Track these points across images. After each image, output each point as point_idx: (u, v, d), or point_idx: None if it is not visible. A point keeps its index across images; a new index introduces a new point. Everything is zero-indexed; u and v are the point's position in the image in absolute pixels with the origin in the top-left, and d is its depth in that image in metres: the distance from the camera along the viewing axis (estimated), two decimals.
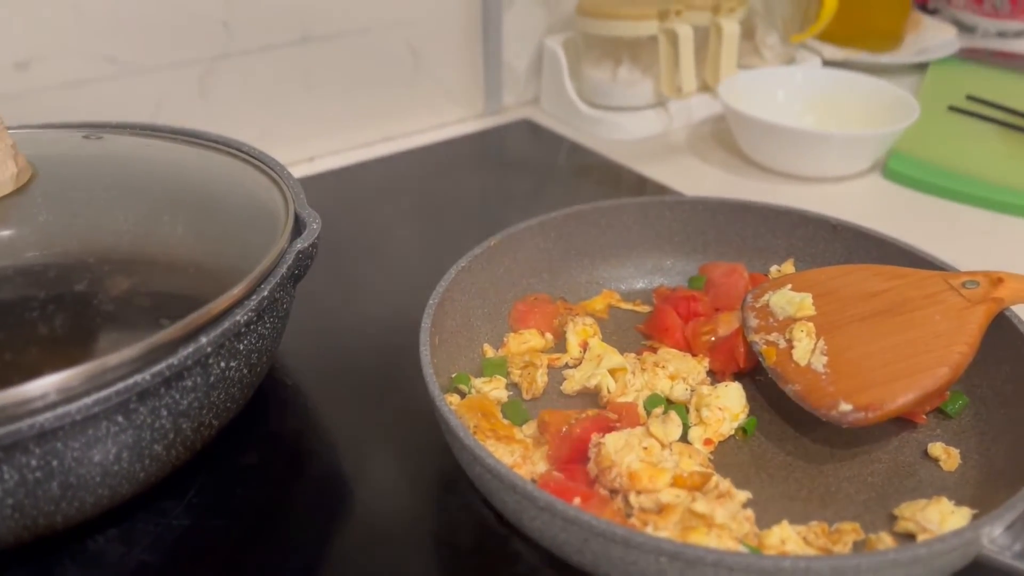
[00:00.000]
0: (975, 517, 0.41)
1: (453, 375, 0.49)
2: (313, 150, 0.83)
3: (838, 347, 0.47)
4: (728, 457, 0.46)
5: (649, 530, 0.39)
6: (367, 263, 0.67)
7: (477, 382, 0.49)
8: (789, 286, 0.52)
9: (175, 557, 0.42)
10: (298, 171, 0.80)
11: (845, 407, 0.44)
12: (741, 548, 0.38)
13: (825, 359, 0.47)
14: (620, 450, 0.42)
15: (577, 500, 0.40)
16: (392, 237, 0.70)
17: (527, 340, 0.53)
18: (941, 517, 0.40)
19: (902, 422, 0.48)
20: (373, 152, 0.84)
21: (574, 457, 0.44)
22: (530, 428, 0.47)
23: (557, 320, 0.56)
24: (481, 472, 0.39)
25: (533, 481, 0.43)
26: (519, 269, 0.57)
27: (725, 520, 0.39)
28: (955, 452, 0.46)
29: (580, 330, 0.54)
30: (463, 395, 0.49)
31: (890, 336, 0.47)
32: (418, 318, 0.48)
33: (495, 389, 0.49)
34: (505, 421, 0.46)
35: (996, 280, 0.48)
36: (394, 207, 0.75)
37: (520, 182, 0.81)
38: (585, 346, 0.53)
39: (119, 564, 0.41)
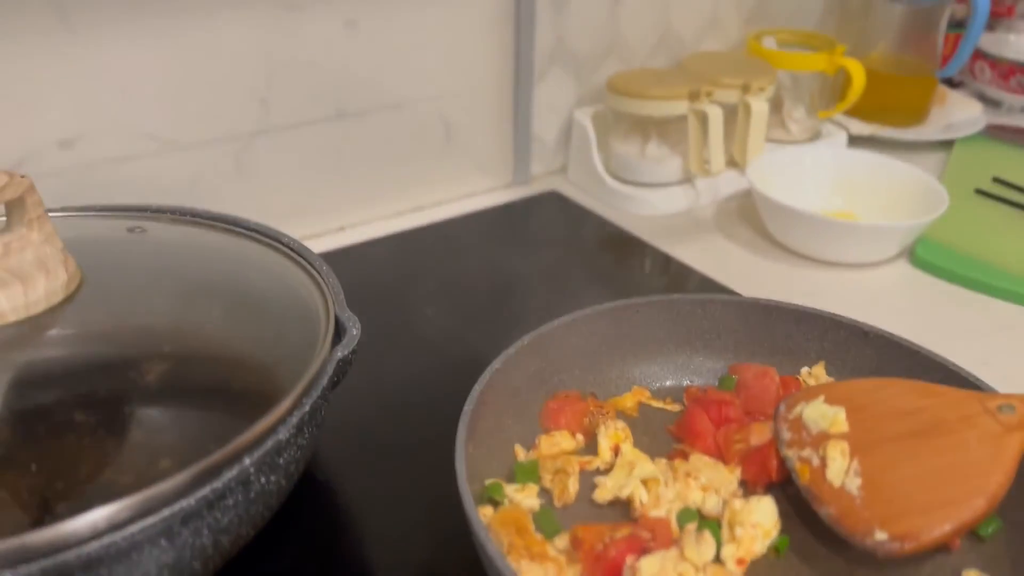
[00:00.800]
0: None
1: (487, 483, 0.50)
2: (344, 220, 0.84)
3: (872, 468, 0.47)
4: None
5: None
6: (397, 348, 0.67)
7: (510, 490, 0.50)
8: (822, 397, 0.52)
9: None
10: (328, 241, 0.81)
11: (880, 536, 0.44)
12: None
13: (859, 481, 0.47)
14: None
15: None
16: (422, 317, 0.71)
17: (558, 443, 0.54)
18: None
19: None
20: (403, 223, 0.85)
21: None
22: (562, 540, 0.47)
23: (587, 419, 0.56)
24: None
25: None
26: (550, 367, 0.57)
27: None
28: None
29: (612, 434, 0.54)
30: (496, 505, 0.49)
31: (925, 460, 0.47)
32: (450, 409, 0.48)
33: (528, 498, 0.49)
34: (538, 535, 0.46)
35: None
36: (423, 283, 0.76)
37: (547, 256, 0.82)
38: (617, 450, 0.53)
39: None
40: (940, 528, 0.44)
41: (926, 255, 0.79)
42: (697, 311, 0.60)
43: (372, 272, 0.77)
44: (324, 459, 0.55)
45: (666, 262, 0.80)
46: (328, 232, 0.83)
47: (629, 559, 0.44)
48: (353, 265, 0.77)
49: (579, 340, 0.58)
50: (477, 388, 0.50)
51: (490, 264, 0.81)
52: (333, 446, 0.56)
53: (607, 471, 0.53)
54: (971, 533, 0.48)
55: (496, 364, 0.53)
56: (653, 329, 0.60)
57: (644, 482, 0.50)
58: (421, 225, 0.85)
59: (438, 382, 0.62)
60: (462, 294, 0.75)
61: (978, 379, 0.52)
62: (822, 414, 0.51)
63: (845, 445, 0.48)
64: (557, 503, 0.51)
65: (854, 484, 0.47)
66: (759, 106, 0.87)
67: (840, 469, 0.48)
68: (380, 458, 0.56)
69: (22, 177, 0.44)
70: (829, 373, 0.59)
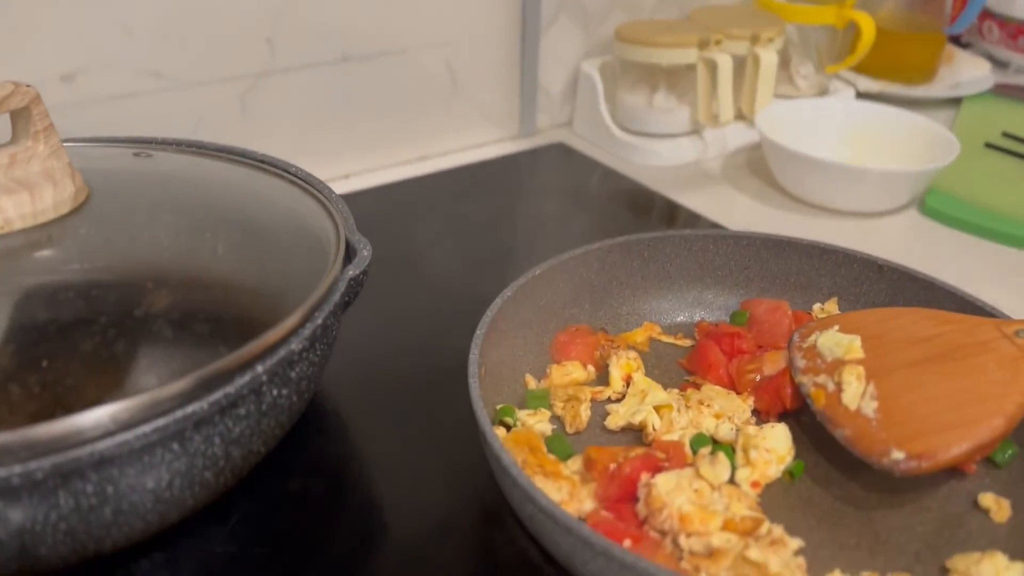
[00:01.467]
0: None
1: (498, 407, 0.49)
2: (349, 168, 0.83)
3: (888, 392, 0.47)
4: (775, 500, 0.46)
5: None
6: (405, 285, 0.66)
7: (522, 415, 0.49)
8: (837, 327, 0.52)
9: None
10: (333, 188, 0.79)
11: (897, 455, 0.44)
12: None
13: (875, 404, 0.47)
14: (671, 491, 0.42)
15: (628, 542, 0.40)
16: (429, 258, 0.70)
17: (570, 372, 0.53)
18: (996, 572, 0.40)
19: (951, 471, 0.47)
20: (408, 171, 0.84)
21: (623, 496, 0.43)
22: (575, 463, 0.46)
23: (598, 352, 0.55)
24: (533, 512, 0.39)
25: (581, 520, 0.42)
26: (561, 299, 0.57)
27: (779, 569, 0.39)
28: (1006, 503, 0.45)
29: (623, 364, 0.53)
30: (508, 428, 0.48)
31: (942, 383, 0.47)
32: (459, 343, 0.48)
33: (540, 422, 0.49)
34: (550, 456, 0.46)
35: None
36: (430, 228, 0.75)
37: (554, 206, 0.81)
38: (628, 380, 0.53)
39: None
40: (958, 447, 0.43)
41: (936, 204, 0.78)
42: (709, 247, 0.60)
43: (378, 217, 0.76)
44: (334, 390, 0.55)
45: (674, 210, 0.79)
46: (333, 179, 0.82)
47: (644, 476, 0.43)
48: (359, 211, 0.75)
49: (590, 274, 0.58)
50: (489, 314, 0.50)
51: (497, 211, 0.80)
52: (342, 377, 0.55)
53: (619, 400, 0.52)
54: (987, 459, 0.48)
55: (508, 292, 0.52)
56: (664, 265, 0.60)
57: (657, 409, 0.50)
58: (426, 173, 0.84)
59: (445, 320, 0.62)
60: (469, 239, 0.74)
61: (993, 308, 0.52)
62: (837, 342, 0.50)
63: (861, 369, 0.48)
64: (569, 430, 0.50)
65: (870, 407, 0.46)
66: (768, 57, 0.86)
67: (856, 393, 0.47)
68: (389, 390, 0.55)
69: (28, 87, 0.43)
70: (841, 309, 0.58)
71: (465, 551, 0.44)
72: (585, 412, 0.50)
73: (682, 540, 0.41)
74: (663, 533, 0.42)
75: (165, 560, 0.42)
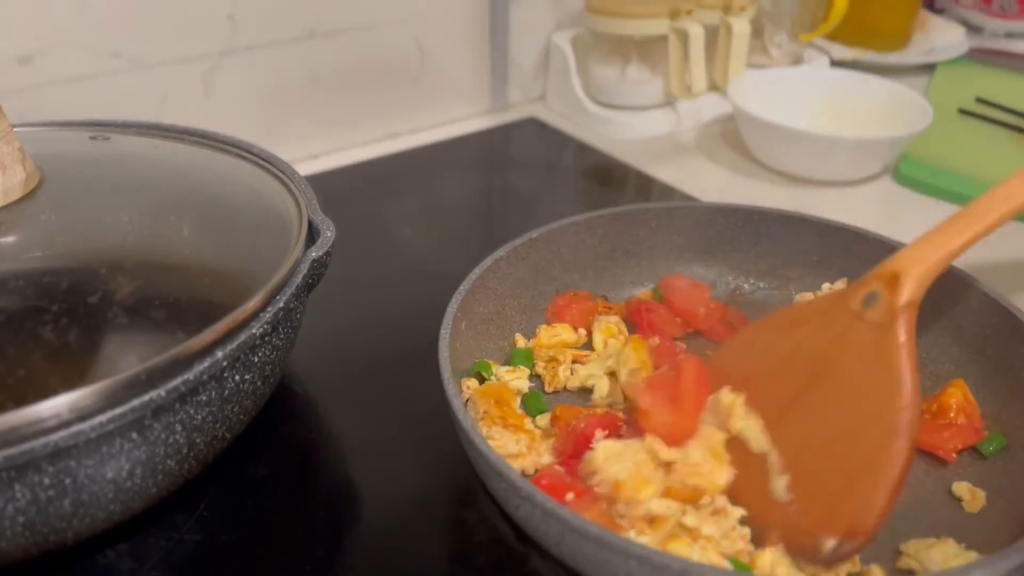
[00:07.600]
0: None
1: (476, 361, 0.49)
2: (317, 147, 0.82)
3: (788, 449, 0.42)
4: None
5: (632, 534, 0.39)
6: (375, 264, 0.66)
7: (500, 370, 0.49)
8: (722, 436, 0.44)
9: (186, 574, 0.41)
10: (302, 168, 0.77)
11: (830, 543, 0.38)
12: (726, 564, 0.38)
13: (785, 480, 0.41)
14: (609, 458, 0.41)
15: (570, 495, 0.40)
16: (400, 237, 0.69)
17: (558, 333, 0.53)
18: (944, 559, 0.39)
19: (930, 456, 0.46)
20: (379, 150, 0.83)
21: (578, 452, 0.43)
22: (544, 420, 0.47)
23: (593, 317, 0.55)
24: (476, 457, 0.39)
25: (535, 472, 0.43)
26: (561, 264, 0.56)
27: (716, 535, 0.39)
28: (981, 494, 0.43)
29: (604, 328, 0.53)
30: (482, 381, 0.48)
31: (825, 411, 0.42)
32: (431, 322, 0.47)
33: (517, 379, 0.49)
34: (520, 411, 0.47)
35: (891, 279, 0.42)
36: (402, 206, 0.74)
37: (528, 182, 0.81)
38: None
39: None
40: (879, 501, 0.38)
41: (910, 171, 0.78)
42: (719, 220, 0.58)
43: (348, 197, 0.75)
44: (303, 373, 0.54)
45: (648, 183, 0.79)
46: (301, 159, 0.81)
47: (598, 434, 0.43)
48: (328, 191, 0.74)
49: (593, 240, 0.57)
50: (476, 271, 0.50)
51: (469, 188, 0.79)
52: (312, 360, 0.54)
53: None
54: (973, 449, 0.46)
55: (500, 253, 0.52)
56: (670, 236, 0.59)
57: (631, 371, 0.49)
58: (397, 151, 0.83)
59: (418, 300, 0.61)
60: (441, 217, 0.73)
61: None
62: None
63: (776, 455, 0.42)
64: (547, 388, 0.51)
65: (781, 485, 0.41)
66: (741, 26, 0.85)
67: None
68: (360, 371, 0.54)
69: None
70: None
71: (438, 531, 0.44)
72: (564, 372, 0.50)
73: (619, 506, 0.40)
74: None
75: (130, 550, 0.41)
